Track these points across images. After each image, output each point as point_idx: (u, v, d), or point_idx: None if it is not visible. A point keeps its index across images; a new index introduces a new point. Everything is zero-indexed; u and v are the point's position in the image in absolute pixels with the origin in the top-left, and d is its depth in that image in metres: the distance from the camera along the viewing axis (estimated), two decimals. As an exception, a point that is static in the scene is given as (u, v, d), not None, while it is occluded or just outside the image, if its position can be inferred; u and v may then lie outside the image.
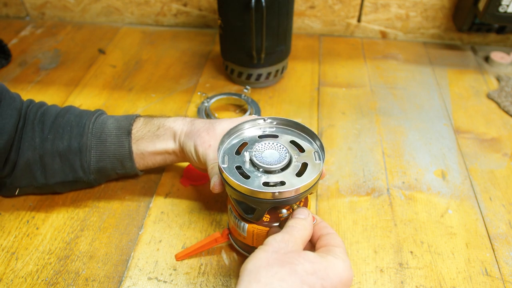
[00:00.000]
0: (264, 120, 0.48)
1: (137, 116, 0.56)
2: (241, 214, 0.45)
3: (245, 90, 0.76)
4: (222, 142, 0.45)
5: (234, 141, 0.46)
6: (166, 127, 0.54)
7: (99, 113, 0.57)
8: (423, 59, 0.91)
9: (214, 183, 0.46)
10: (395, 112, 0.76)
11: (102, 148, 0.54)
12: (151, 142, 0.54)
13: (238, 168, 0.42)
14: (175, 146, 0.54)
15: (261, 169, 0.42)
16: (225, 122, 0.52)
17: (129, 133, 0.54)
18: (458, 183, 0.62)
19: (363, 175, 0.63)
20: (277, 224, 0.44)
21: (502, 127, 0.73)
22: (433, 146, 0.69)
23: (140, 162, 0.55)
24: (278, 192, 0.39)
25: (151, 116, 0.57)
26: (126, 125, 0.54)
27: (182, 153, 0.54)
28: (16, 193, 0.57)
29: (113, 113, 0.74)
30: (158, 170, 0.63)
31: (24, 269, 0.50)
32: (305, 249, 0.43)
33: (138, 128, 0.55)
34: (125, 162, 0.55)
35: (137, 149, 0.54)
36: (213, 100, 0.74)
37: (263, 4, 0.67)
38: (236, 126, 0.47)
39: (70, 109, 0.57)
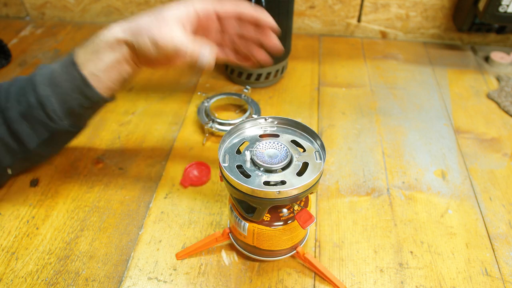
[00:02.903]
0: (265, 119, 0.48)
1: (78, 47, 0.53)
2: (241, 213, 0.45)
3: (245, 90, 0.76)
4: (223, 141, 0.45)
5: (235, 140, 0.46)
6: (102, 39, 0.51)
7: (42, 66, 0.54)
8: (423, 59, 0.91)
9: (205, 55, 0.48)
10: (395, 112, 0.76)
11: (58, 90, 0.52)
12: (97, 59, 0.51)
13: (239, 167, 0.42)
14: (123, 52, 0.51)
15: (261, 168, 0.42)
16: (173, 9, 0.50)
17: (74, 63, 0.51)
18: (458, 183, 0.62)
19: (363, 175, 0.63)
20: (277, 223, 0.45)
21: (502, 127, 0.73)
22: (433, 146, 0.69)
23: (99, 86, 0.52)
24: (279, 191, 0.39)
25: (88, 40, 0.53)
26: (69, 58, 0.52)
27: (135, 56, 0.51)
28: (10, 173, 0.56)
29: (114, 112, 0.74)
30: (158, 169, 0.63)
31: (24, 269, 0.50)
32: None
33: (79, 56, 0.52)
34: (85, 91, 0.52)
35: (88, 73, 0.51)
36: (213, 100, 0.74)
37: (263, 4, 0.67)
38: (237, 126, 0.47)
39: (19, 77, 0.55)
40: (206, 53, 0.48)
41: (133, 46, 0.50)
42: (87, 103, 0.53)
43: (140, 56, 0.50)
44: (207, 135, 0.69)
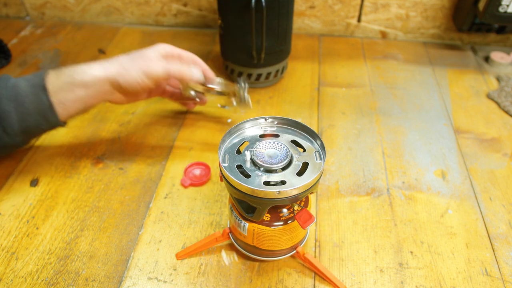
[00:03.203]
0: (265, 119, 0.48)
1: (46, 71, 0.55)
2: (241, 213, 0.45)
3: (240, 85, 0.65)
4: (223, 141, 0.45)
5: (235, 140, 0.46)
6: (82, 76, 0.55)
7: (5, 77, 0.56)
8: (423, 59, 0.91)
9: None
10: (395, 112, 0.76)
11: (21, 108, 0.53)
12: (69, 91, 0.54)
13: (239, 167, 0.42)
14: (97, 89, 0.55)
15: (262, 168, 0.42)
16: (150, 50, 0.58)
17: (44, 88, 0.53)
18: (458, 183, 0.62)
19: (363, 175, 0.63)
20: (277, 223, 0.45)
21: (502, 127, 0.73)
22: (433, 146, 0.69)
23: (63, 113, 0.56)
24: (279, 191, 0.39)
25: (60, 68, 0.56)
26: (39, 81, 0.54)
27: (114, 90, 0.57)
28: None
29: (114, 112, 0.74)
30: (158, 169, 0.63)
31: (24, 269, 0.50)
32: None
33: (51, 82, 0.54)
34: (48, 117, 0.55)
35: (56, 101, 0.54)
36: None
37: (263, 4, 0.67)
38: (237, 126, 0.47)
39: None
40: (195, 70, 0.59)
41: (117, 82, 0.56)
42: (45, 126, 0.56)
43: (123, 89, 0.57)
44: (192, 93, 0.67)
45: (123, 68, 0.56)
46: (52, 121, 0.56)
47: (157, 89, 0.66)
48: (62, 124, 0.57)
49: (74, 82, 0.54)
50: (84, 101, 0.56)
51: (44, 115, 0.54)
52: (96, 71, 0.55)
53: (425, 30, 0.96)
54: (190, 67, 0.59)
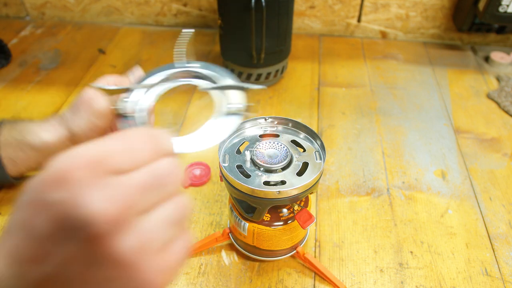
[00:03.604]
0: (265, 119, 0.48)
1: (4, 121, 0.51)
2: (241, 213, 0.45)
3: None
4: (223, 141, 0.45)
5: (235, 140, 0.46)
6: (34, 135, 0.49)
7: None
8: (423, 59, 0.91)
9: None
10: (395, 112, 0.76)
11: None
12: (21, 150, 0.49)
13: (239, 167, 0.42)
14: (52, 148, 0.48)
15: (262, 168, 0.42)
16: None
17: None
18: (458, 183, 0.62)
19: (363, 175, 0.63)
20: (277, 223, 0.45)
21: (502, 127, 0.73)
22: (433, 146, 0.69)
23: (13, 170, 0.51)
24: (279, 191, 0.39)
25: (15, 121, 0.52)
26: None
27: (65, 145, 0.47)
28: None
29: (113, 113, 0.74)
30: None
31: (24, 268, 0.50)
32: None
33: (3, 134, 0.50)
34: None
35: (6, 156, 0.50)
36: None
37: (263, 4, 0.67)
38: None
39: None
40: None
41: (71, 135, 0.46)
42: None
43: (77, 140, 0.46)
44: None
45: (72, 122, 0.46)
46: (0, 176, 0.50)
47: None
48: (12, 180, 0.52)
49: (24, 142, 0.49)
50: (37, 161, 0.50)
51: None
52: (45, 136, 0.48)
53: (425, 30, 0.96)
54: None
